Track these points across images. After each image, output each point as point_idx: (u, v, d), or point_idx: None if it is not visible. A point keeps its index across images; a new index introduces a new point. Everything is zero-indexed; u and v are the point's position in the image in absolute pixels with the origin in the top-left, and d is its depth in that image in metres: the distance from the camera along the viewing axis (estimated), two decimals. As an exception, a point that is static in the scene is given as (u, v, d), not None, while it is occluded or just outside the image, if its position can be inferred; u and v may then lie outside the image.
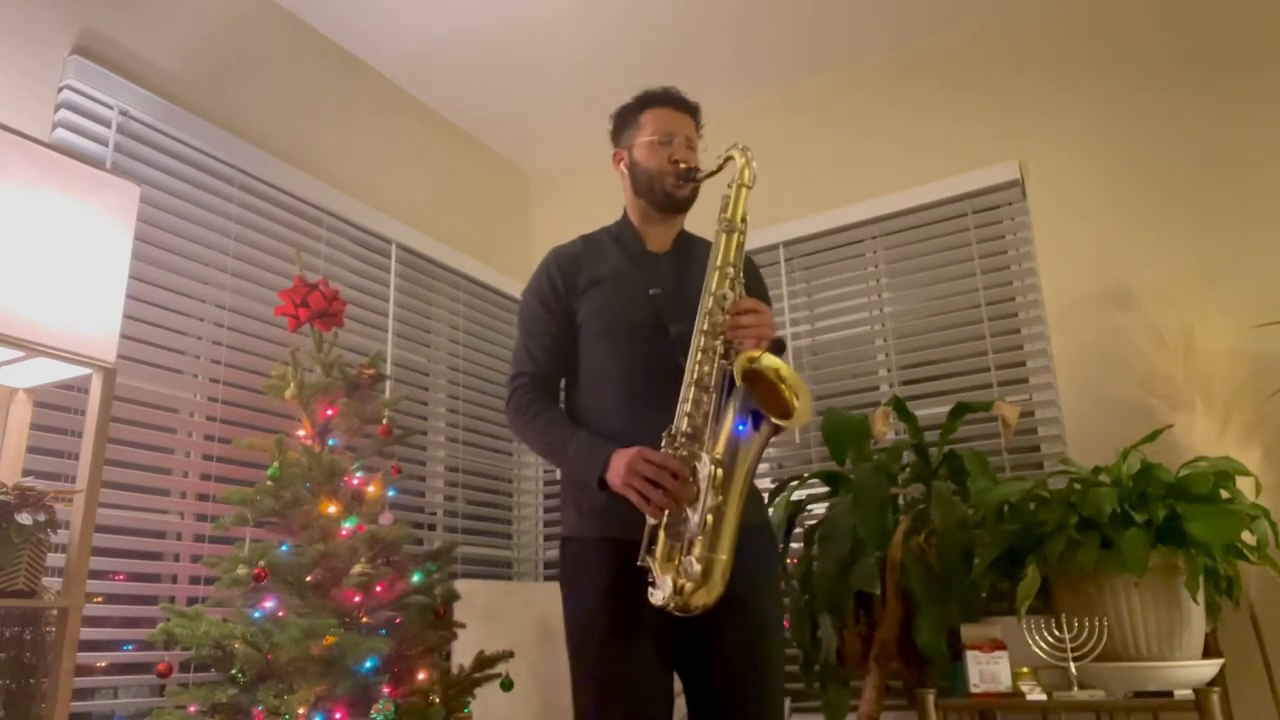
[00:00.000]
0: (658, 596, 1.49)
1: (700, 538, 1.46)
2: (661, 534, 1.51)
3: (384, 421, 2.23)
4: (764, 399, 1.49)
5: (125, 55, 2.42)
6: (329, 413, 2.17)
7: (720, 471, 1.47)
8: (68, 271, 1.75)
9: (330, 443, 2.16)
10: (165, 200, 2.44)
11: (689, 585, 1.45)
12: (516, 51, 3.21)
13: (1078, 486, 2.10)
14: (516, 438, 1.85)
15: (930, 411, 2.86)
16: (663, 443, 1.55)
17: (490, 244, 3.69)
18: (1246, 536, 1.99)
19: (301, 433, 2.16)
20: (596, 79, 3.36)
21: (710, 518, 1.46)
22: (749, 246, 3.46)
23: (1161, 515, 1.94)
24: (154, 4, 2.52)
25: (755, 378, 1.52)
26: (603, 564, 1.62)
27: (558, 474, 3.55)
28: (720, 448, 1.49)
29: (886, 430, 2.63)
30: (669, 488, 1.49)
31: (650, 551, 1.51)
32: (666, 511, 1.50)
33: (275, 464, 2.02)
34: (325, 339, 2.26)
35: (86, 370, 1.79)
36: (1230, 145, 2.66)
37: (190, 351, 2.46)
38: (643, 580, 1.51)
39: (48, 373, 1.84)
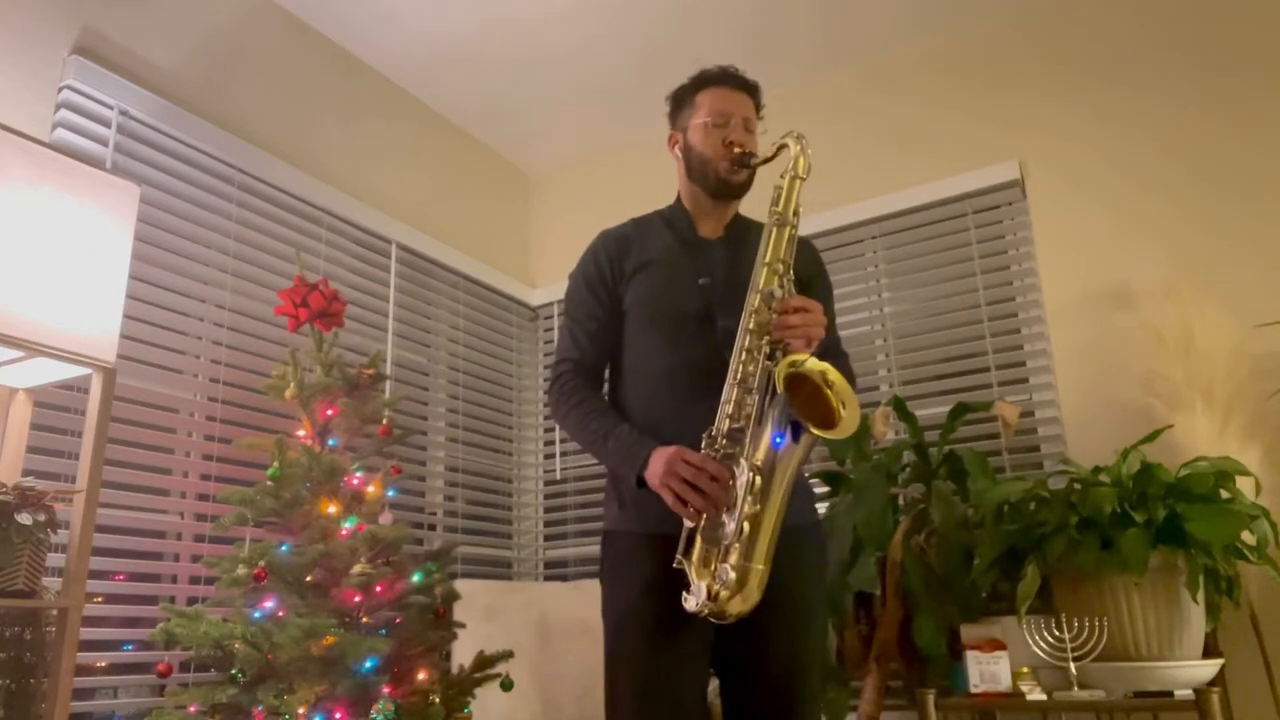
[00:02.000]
0: (692, 602, 1.45)
1: (737, 545, 1.41)
2: (698, 538, 1.47)
3: (384, 421, 2.23)
4: (806, 406, 1.43)
5: (125, 55, 2.42)
6: (329, 413, 2.17)
7: (759, 479, 1.41)
8: (68, 271, 1.75)
9: (330, 443, 2.15)
10: (165, 200, 2.44)
11: (724, 593, 1.41)
12: (516, 51, 3.21)
13: (1078, 486, 2.10)
14: (558, 426, 1.79)
15: (930, 411, 2.85)
16: (703, 444, 1.50)
17: (490, 244, 3.69)
18: (1246, 536, 1.99)
19: (301, 433, 2.16)
20: (597, 79, 3.36)
21: (747, 526, 1.41)
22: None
23: (1161, 515, 1.94)
24: (154, 4, 2.52)
25: (799, 383, 1.45)
26: (644, 560, 1.58)
27: (558, 474, 3.60)
28: (760, 454, 1.43)
29: (886, 430, 2.63)
30: (707, 491, 1.45)
31: (686, 554, 1.47)
32: (704, 515, 1.46)
33: (275, 464, 2.02)
34: (325, 339, 2.26)
35: (86, 370, 1.79)
36: (1230, 145, 2.66)
37: (190, 351, 2.46)
38: (684, 578, 1.47)
39: (48, 373, 1.84)
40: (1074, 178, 2.88)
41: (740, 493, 1.43)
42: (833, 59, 3.31)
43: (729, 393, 1.52)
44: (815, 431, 1.39)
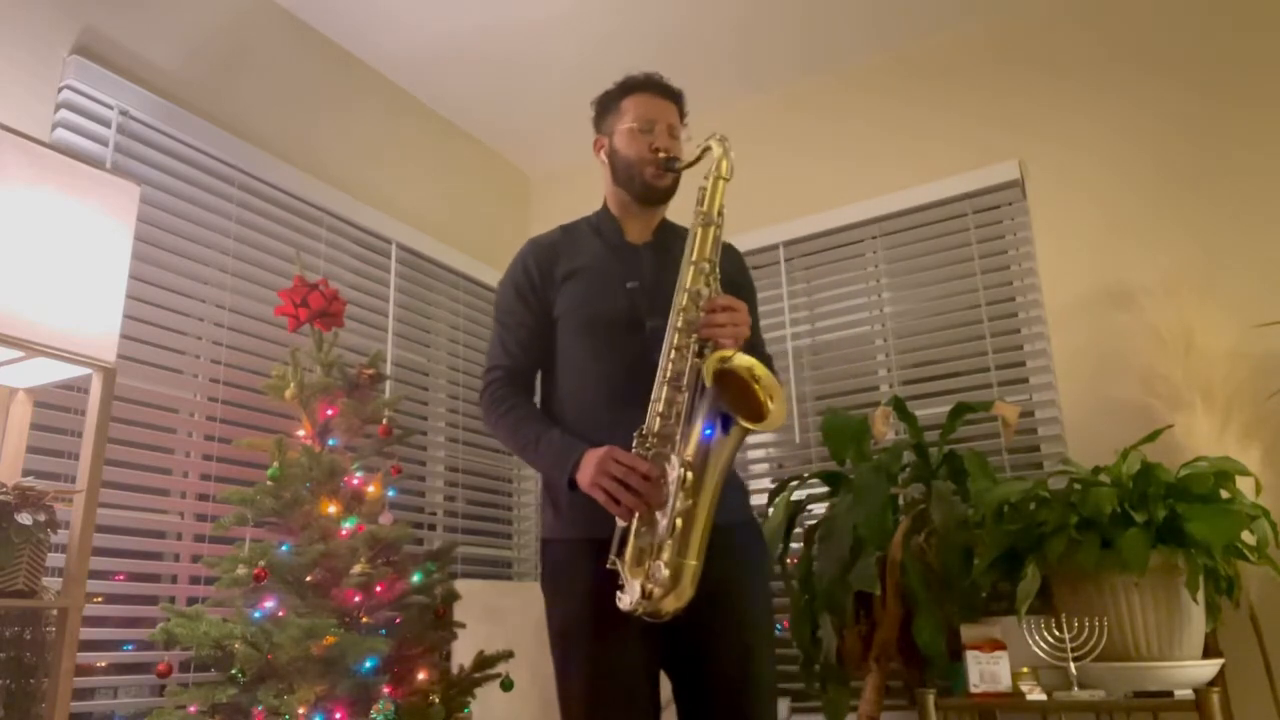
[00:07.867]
0: (625, 601, 1.45)
1: (669, 542, 1.42)
2: (631, 537, 1.47)
3: (384, 421, 2.23)
4: (736, 400, 1.45)
5: (125, 55, 2.42)
6: (329, 413, 2.17)
7: (690, 474, 1.42)
8: (68, 271, 1.75)
9: (330, 443, 2.15)
10: (165, 200, 2.44)
11: (657, 590, 1.42)
12: (517, 51, 3.21)
13: (1078, 486, 2.10)
14: (490, 433, 1.82)
15: (930, 411, 2.85)
16: (634, 443, 1.51)
17: (490, 244, 3.69)
18: (1246, 536, 1.99)
19: (301, 433, 2.16)
20: (598, 78, 3.32)
21: (679, 521, 1.42)
22: (747, 246, 3.44)
23: (1161, 515, 1.94)
24: (154, 4, 2.52)
25: (727, 378, 1.47)
26: (583, 566, 1.58)
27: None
28: (690, 450, 1.44)
29: (886, 430, 2.63)
30: (638, 489, 1.46)
31: (620, 554, 1.48)
32: (636, 514, 1.47)
33: (275, 464, 2.02)
34: (325, 339, 2.26)
35: (86, 370, 1.79)
36: (1230, 144, 2.66)
37: (190, 351, 2.46)
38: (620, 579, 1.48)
39: (48, 373, 1.84)
40: (1074, 178, 2.88)
41: (672, 489, 1.43)
42: (832, 60, 3.31)
43: (659, 391, 1.53)
44: (744, 424, 1.41)
